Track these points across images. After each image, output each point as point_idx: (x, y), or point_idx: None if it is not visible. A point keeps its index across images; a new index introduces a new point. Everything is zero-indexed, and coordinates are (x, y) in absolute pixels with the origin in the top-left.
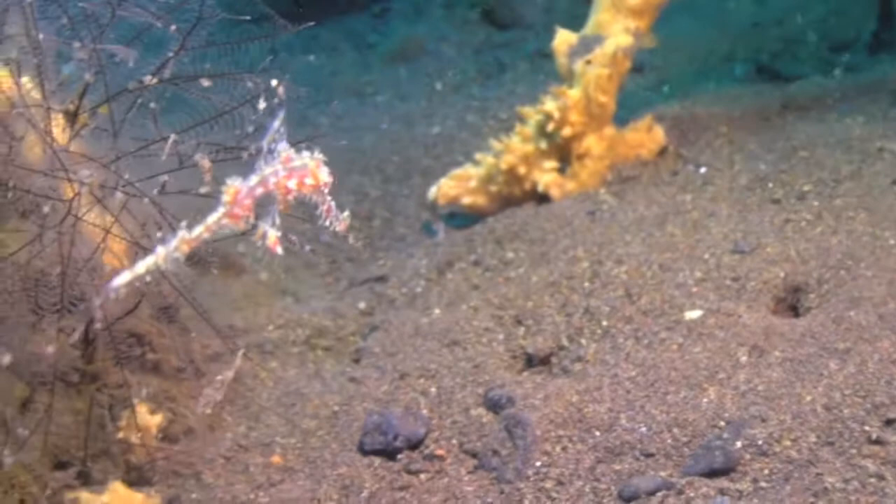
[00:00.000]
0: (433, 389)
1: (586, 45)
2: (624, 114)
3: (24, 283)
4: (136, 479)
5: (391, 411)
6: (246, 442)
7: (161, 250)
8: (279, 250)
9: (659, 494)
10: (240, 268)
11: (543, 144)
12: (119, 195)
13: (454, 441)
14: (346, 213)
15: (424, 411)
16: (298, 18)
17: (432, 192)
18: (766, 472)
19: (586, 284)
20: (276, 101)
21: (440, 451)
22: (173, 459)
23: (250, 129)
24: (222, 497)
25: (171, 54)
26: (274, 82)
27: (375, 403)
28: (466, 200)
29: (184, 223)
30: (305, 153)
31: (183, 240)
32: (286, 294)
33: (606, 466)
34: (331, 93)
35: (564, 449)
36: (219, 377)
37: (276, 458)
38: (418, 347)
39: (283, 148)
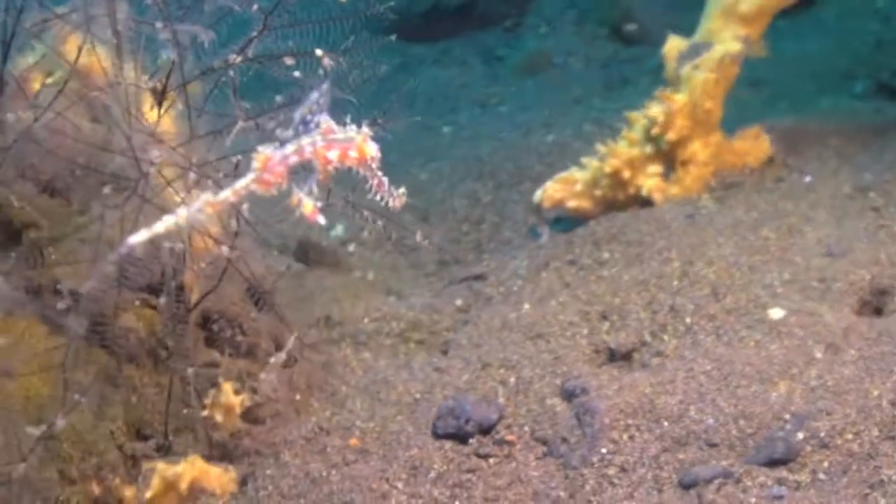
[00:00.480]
0: (512, 379)
1: (695, 51)
2: (736, 126)
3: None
4: (218, 455)
5: (466, 397)
6: (327, 425)
7: (183, 211)
8: (320, 219)
9: (716, 482)
10: (347, 266)
11: (649, 149)
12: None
13: (526, 428)
14: (402, 190)
15: (501, 399)
16: (432, 34)
17: (538, 195)
18: (826, 463)
19: (675, 283)
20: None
21: (510, 437)
22: (256, 439)
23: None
24: (296, 474)
25: (254, 34)
26: (319, 52)
27: (455, 391)
28: (571, 204)
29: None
30: (352, 127)
31: (207, 202)
32: (390, 292)
33: (671, 455)
34: (457, 103)
35: (632, 437)
36: (272, 359)
37: (353, 441)
38: (503, 340)
39: (324, 119)
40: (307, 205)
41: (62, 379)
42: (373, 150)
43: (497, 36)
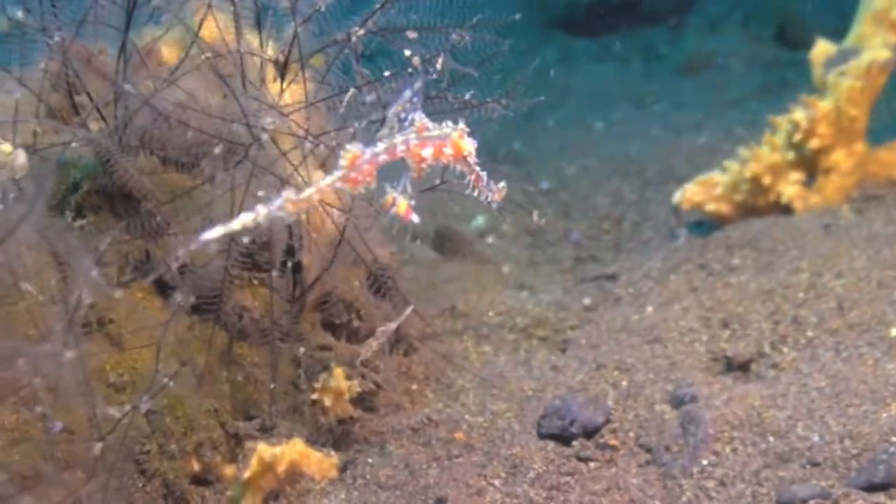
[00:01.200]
0: (624, 382)
1: (843, 57)
2: (888, 137)
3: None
4: (324, 440)
5: (573, 397)
6: (437, 417)
7: (262, 209)
8: (414, 218)
9: (812, 502)
10: (483, 257)
11: (791, 155)
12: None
13: (631, 434)
14: (503, 184)
15: (610, 402)
16: (594, 29)
17: (677, 196)
18: None
19: (800, 294)
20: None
21: (614, 442)
22: (365, 426)
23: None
24: (396, 465)
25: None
26: (407, 53)
27: (567, 391)
28: (710, 207)
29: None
30: (448, 123)
31: (288, 200)
32: (523, 287)
33: (772, 472)
34: (612, 99)
35: (735, 450)
36: (381, 328)
37: (458, 435)
38: (621, 342)
39: (419, 117)
40: (401, 204)
41: (157, 355)
42: (469, 145)
43: (660, 34)
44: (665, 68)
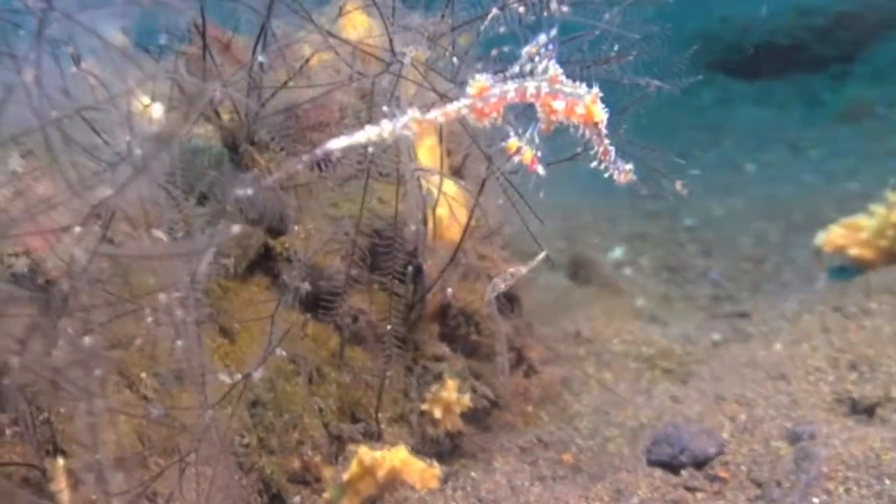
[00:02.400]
0: (743, 416)
1: None
2: None
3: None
4: (429, 451)
5: (686, 426)
6: (548, 439)
7: (388, 124)
8: (539, 169)
9: None
10: (618, 288)
11: None
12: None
13: (743, 467)
14: (630, 166)
15: (724, 434)
16: (755, 72)
17: (820, 238)
18: None
19: None
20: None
21: (724, 474)
22: (473, 442)
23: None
24: (498, 480)
25: None
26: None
27: (683, 421)
28: (853, 252)
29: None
30: (582, 85)
31: (414, 118)
32: (655, 320)
33: None
34: (767, 142)
35: (848, 491)
36: (511, 269)
37: (566, 457)
38: (745, 376)
39: (553, 66)
40: (527, 153)
41: (268, 334)
42: (601, 113)
43: (822, 80)
44: (824, 115)
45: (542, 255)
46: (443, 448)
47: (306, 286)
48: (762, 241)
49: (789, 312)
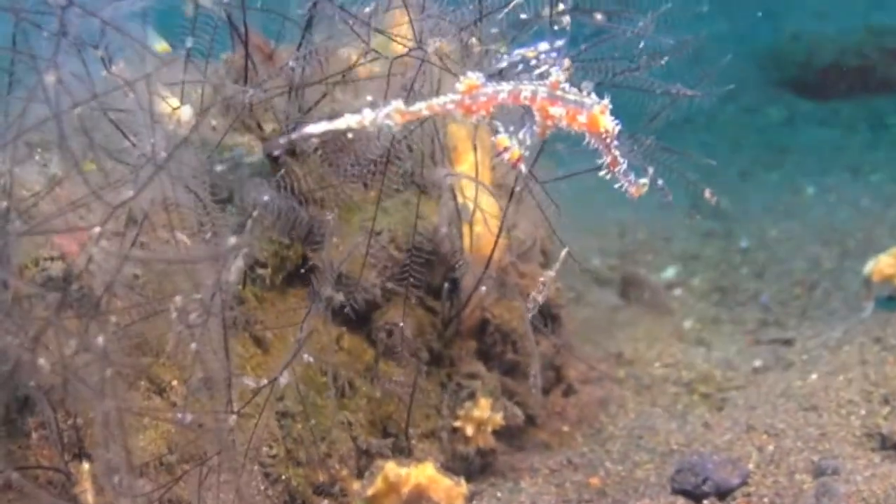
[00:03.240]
0: (770, 447)
1: None
2: None
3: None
4: (458, 468)
5: (711, 455)
6: (578, 461)
7: (370, 113)
8: (522, 168)
9: None
10: (667, 309)
11: None
12: None
13: (766, 500)
14: (645, 181)
15: (750, 465)
16: (823, 92)
17: (869, 267)
18: None
19: None
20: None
21: None
22: (504, 461)
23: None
24: (523, 501)
25: None
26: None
27: (711, 449)
28: None
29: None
30: (593, 96)
31: (397, 109)
32: (701, 343)
33: None
34: (829, 165)
35: None
36: (541, 278)
37: (593, 480)
38: (777, 406)
39: (556, 73)
40: (515, 152)
41: (295, 342)
42: (609, 123)
43: (889, 103)
44: (890, 138)
45: (564, 253)
46: (473, 466)
47: (340, 297)
48: (815, 265)
49: (832, 341)
